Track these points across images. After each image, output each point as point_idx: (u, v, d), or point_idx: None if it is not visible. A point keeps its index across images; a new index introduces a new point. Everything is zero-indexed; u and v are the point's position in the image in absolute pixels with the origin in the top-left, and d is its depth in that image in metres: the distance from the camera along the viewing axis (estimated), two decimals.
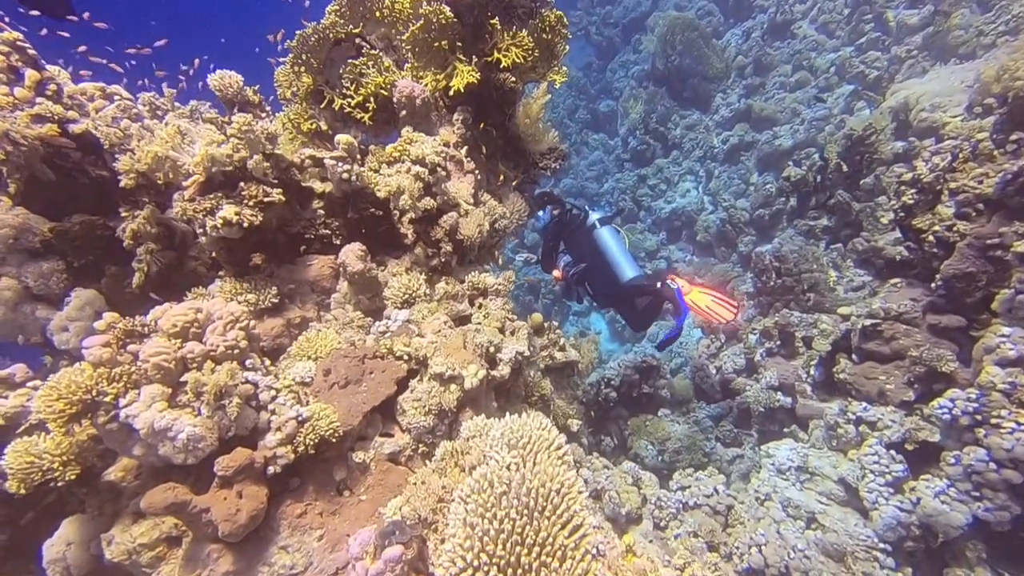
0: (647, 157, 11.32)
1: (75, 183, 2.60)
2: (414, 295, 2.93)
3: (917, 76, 7.23)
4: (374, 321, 2.94)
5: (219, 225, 2.42)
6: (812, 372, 5.10)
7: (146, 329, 2.15)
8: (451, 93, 3.40)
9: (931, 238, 4.17)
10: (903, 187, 4.38)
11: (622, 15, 14.66)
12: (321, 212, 3.09)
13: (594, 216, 4.68)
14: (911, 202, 4.29)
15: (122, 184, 2.52)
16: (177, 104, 3.21)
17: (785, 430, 5.06)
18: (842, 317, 5.09)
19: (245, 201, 2.54)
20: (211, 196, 2.48)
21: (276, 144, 2.78)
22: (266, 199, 2.61)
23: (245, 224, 2.49)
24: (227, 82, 2.57)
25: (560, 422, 4.02)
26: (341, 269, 2.89)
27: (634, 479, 3.98)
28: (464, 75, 3.36)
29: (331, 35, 3.26)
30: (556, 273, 4.53)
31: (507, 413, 3.08)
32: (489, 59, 3.50)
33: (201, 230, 2.50)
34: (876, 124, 6.22)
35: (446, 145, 3.40)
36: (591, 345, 4.81)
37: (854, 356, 4.54)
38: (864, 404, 4.10)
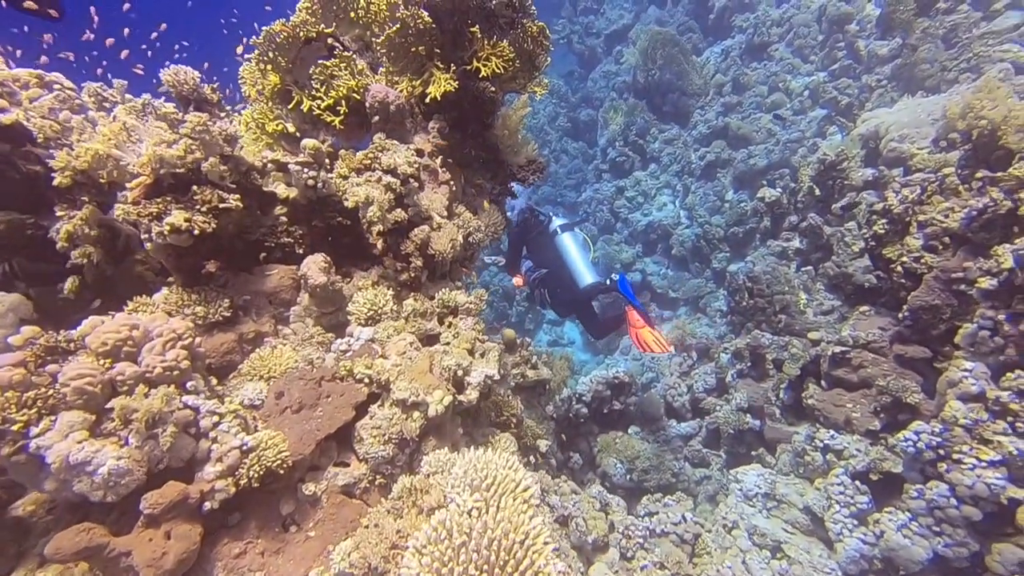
0: (625, 169, 11.37)
1: (2, 178, 2.37)
2: (380, 312, 2.77)
3: (886, 105, 7.42)
4: (336, 338, 2.78)
5: (166, 232, 2.23)
6: (781, 395, 5.12)
7: (73, 346, 1.95)
8: (427, 100, 3.26)
9: (899, 268, 4.22)
10: (874, 216, 4.44)
11: (604, 26, 14.75)
12: (284, 219, 2.91)
13: (557, 222, 4.73)
14: (882, 232, 4.34)
15: (55, 182, 2.30)
16: (129, 96, 2.98)
17: (753, 453, 5.06)
18: (812, 341, 5.13)
19: (197, 206, 2.35)
20: (159, 200, 2.28)
21: (236, 146, 2.60)
22: (221, 205, 2.42)
23: (196, 231, 2.30)
24: (182, 78, 2.38)
25: (529, 442, 3.90)
26: (302, 281, 2.72)
27: (602, 504, 3.90)
28: (441, 83, 3.23)
29: (301, 33, 3.08)
30: (517, 280, 4.68)
31: (474, 437, 2.96)
32: (468, 67, 3.37)
33: (147, 235, 2.29)
34: (847, 151, 6.34)
35: (420, 154, 3.26)
36: (563, 363, 4.72)
37: (823, 382, 4.57)
38: (831, 432, 4.11)
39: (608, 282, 4.64)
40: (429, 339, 2.91)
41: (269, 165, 2.81)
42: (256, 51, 2.99)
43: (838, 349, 4.37)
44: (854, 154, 6.25)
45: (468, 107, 3.69)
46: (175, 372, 1.90)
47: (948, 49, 7.07)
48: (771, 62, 10.14)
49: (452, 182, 3.44)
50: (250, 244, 2.82)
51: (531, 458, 3.68)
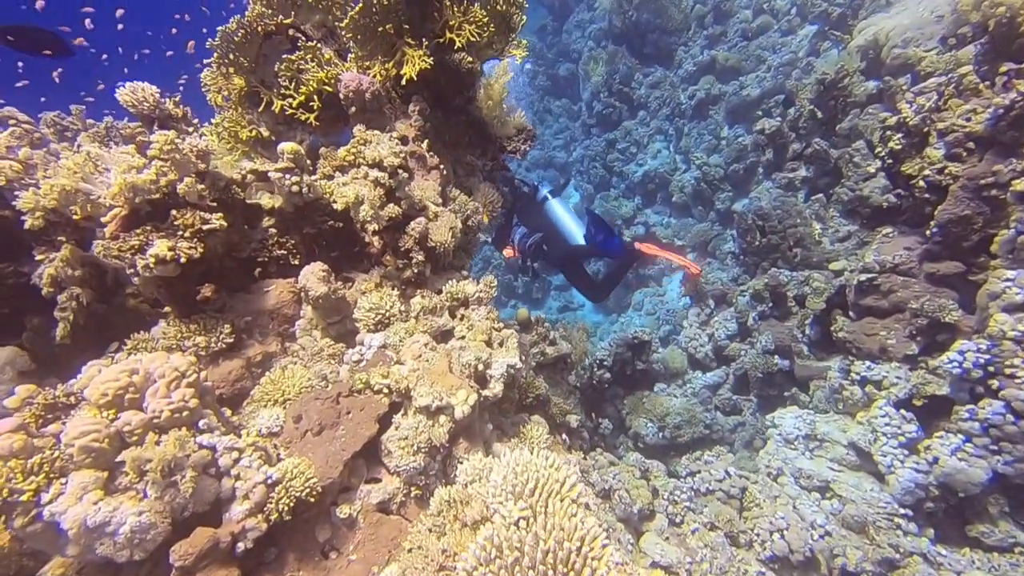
0: (614, 120, 10.98)
1: None
2: (388, 315, 2.64)
3: (882, 10, 7.00)
4: (347, 348, 2.65)
5: (151, 264, 2.09)
6: (807, 331, 4.99)
7: (73, 399, 1.84)
8: (403, 82, 3.04)
9: (921, 183, 4.01)
10: (888, 132, 4.19)
11: None
12: (273, 231, 2.75)
13: (544, 190, 4.73)
14: (898, 147, 4.11)
15: (27, 225, 2.15)
16: (91, 121, 2.79)
17: (785, 394, 4.97)
18: (834, 272, 4.96)
19: (180, 232, 2.20)
20: (138, 231, 2.13)
21: (210, 161, 2.42)
22: (205, 226, 2.27)
23: (183, 259, 2.16)
24: (140, 96, 2.19)
25: (559, 419, 3.82)
26: (303, 294, 2.58)
27: (641, 471, 3.84)
28: (415, 61, 3.00)
29: (259, 28, 2.85)
30: (507, 251, 4.73)
31: (504, 429, 2.87)
32: (441, 40, 3.13)
33: (131, 270, 2.15)
34: (847, 66, 6.01)
35: (404, 141, 3.06)
36: (581, 333, 4.61)
37: (851, 312, 4.42)
38: (867, 363, 3.99)
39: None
40: (443, 335, 2.78)
41: (249, 176, 2.63)
42: (215, 54, 2.77)
43: (864, 277, 4.20)
44: (854, 68, 5.92)
45: (446, 83, 3.46)
46: (184, 413, 1.78)
47: None
48: None
49: (442, 165, 3.25)
50: (242, 261, 2.68)
51: (563, 436, 3.60)
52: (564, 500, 1.59)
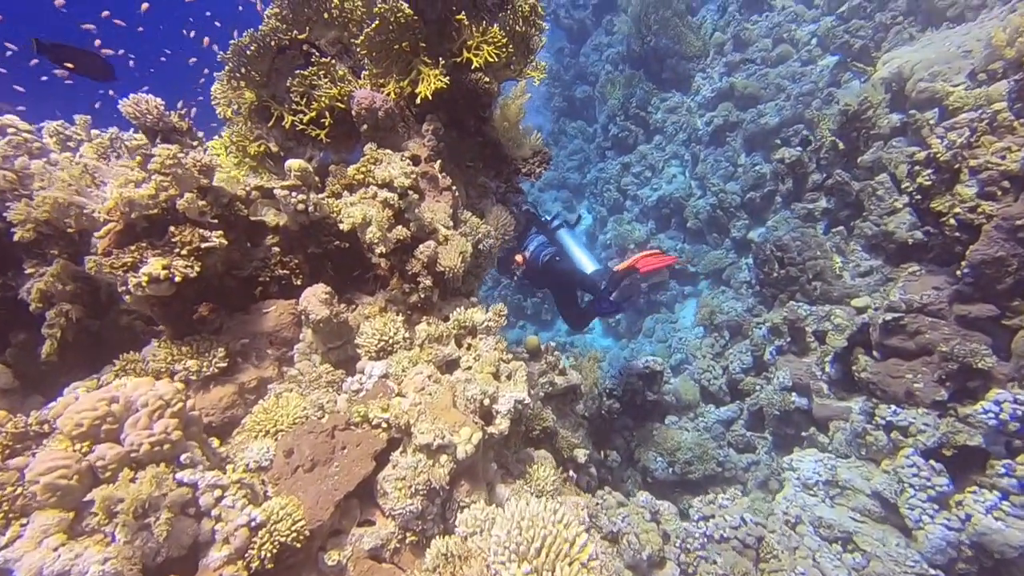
0: (629, 144, 10.92)
1: None
2: (391, 342, 2.51)
3: (906, 43, 6.91)
4: (346, 374, 2.53)
5: (144, 283, 1.98)
6: (827, 369, 4.79)
7: (47, 427, 1.72)
8: (418, 101, 2.96)
9: (952, 221, 3.84)
10: (917, 167, 4.05)
11: None
12: (276, 249, 2.65)
13: (556, 223, 5.23)
14: (927, 183, 3.95)
15: (16, 237, 2.07)
16: (97, 132, 2.73)
17: (803, 434, 4.75)
18: (856, 309, 4.77)
19: (176, 249, 2.10)
20: (132, 247, 2.04)
21: (213, 176, 2.33)
22: (204, 244, 2.17)
23: (177, 278, 2.05)
24: (144, 108, 2.12)
25: (566, 454, 3.65)
26: (303, 316, 2.46)
27: (652, 514, 3.64)
28: (431, 80, 2.93)
29: (273, 42, 2.79)
30: (519, 257, 4.78)
31: (508, 467, 2.70)
32: (458, 59, 3.06)
33: (123, 288, 2.05)
34: (871, 97, 5.89)
35: (416, 161, 2.97)
36: (592, 363, 4.44)
37: (875, 352, 4.22)
38: (893, 407, 3.78)
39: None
40: (448, 365, 2.64)
41: (253, 193, 2.54)
42: (226, 67, 2.71)
43: (890, 316, 4.02)
44: (879, 100, 5.80)
45: (462, 102, 3.39)
46: (166, 446, 1.66)
47: None
48: (773, 12, 9.58)
49: (454, 187, 3.15)
50: (243, 281, 2.58)
51: (570, 473, 3.42)
52: (574, 564, 1.43)
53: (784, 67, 9.10)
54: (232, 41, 2.64)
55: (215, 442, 1.98)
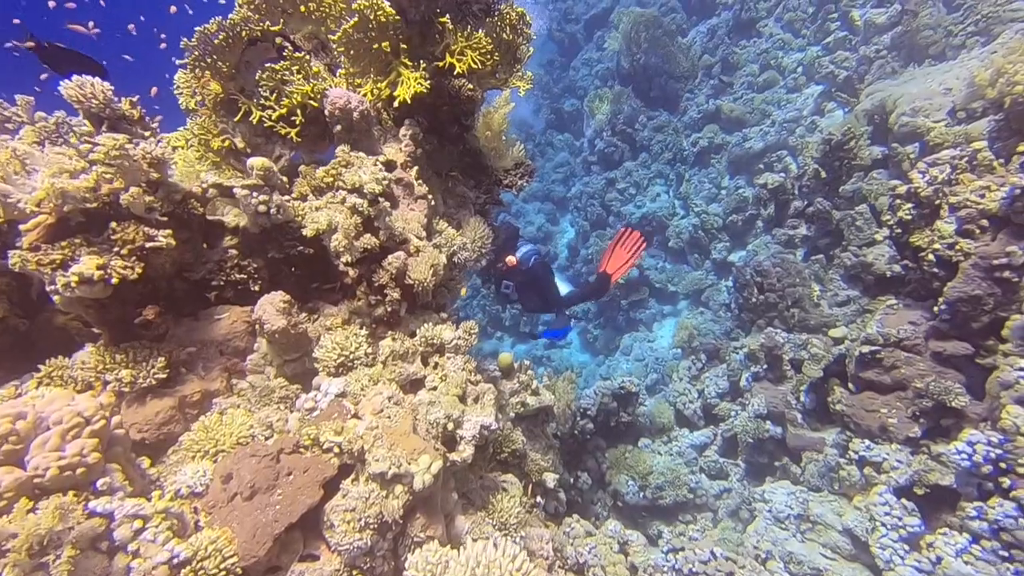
0: (615, 160, 10.93)
1: None
2: (352, 357, 2.35)
3: (888, 77, 7.03)
4: (302, 390, 2.36)
5: (73, 283, 1.79)
6: (803, 399, 4.75)
7: None
8: (396, 104, 2.83)
9: (931, 256, 3.84)
10: (898, 200, 4.05)
11: (584, 11, 14.25)
12: (234, 252, 2.48)
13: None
14: (908, 217, 3.96)
15: None
16: (42, 115, 2.53)
17: (776, 463, 4.69)
18: (833, 339, 4.75)
19: (116, 248, 1.92)
20: (64, 244, 1.85)
21: (166, 170, 2.16)
22: (148, 244, 1.99)
23: (115, 280, 1.87)
24: (88, 91, 1.94)
25: (535, 478, 3.51)
26: (257, 326, 2.29)
27: (620, 544, 3.51)
28: (410, 83, 2.80)
29: (243, 32, 2.63)
30: (511, 259, 4.87)
31: (471, 497, 2.55)
32: (441, 64, 2.94)
33: (52, 288, 1.86)
34: (853, 128, 5.95)
35: (390, 166, 2.82)
36: (567, 384, 4.32)
37: (850, 384, 4.19)
38: (867, 442, 3.74)
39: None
40: (413, 384, 2.49)
41: (211, 191, 2.37)
42: (190, 55, 2.53)
43: (867, 349, 3.99)
44: (861, 132, 5.86)
45: (444, 108, 3.26)
46: (79, 470, 1.47)
47: (951, 13, 6.68)
48: (761, 39, 9.73)
49: (430, 195, 3.02)
50: (195, 284, 2.40)
51: (538, 499, 3.28)
52: None
53: (770, 93, 9.22)
54: (197, 28, 2.47)
55: (145, 463, 1.80)
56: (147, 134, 2.12)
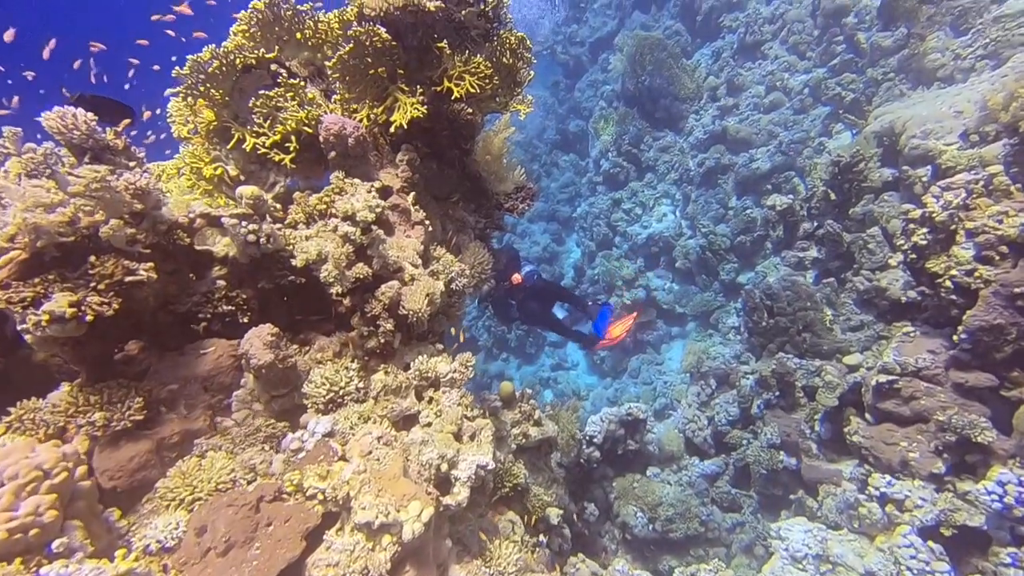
0: (620, 180, 10.89)
1: None
2: (342, 393, 2.24)
3: (895, 99, 6.95)
4: (290, 427, 2.24)
5: (44, 322, 1.71)
6: (817, 428, 4.56)
7: None
8: (392, 129, 2.76)
9: (948, 283, 3.69)
10: (912, 225, 3.92)
11: (588, 34, 14.38)
12: (222, 283, 2.39)
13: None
14: (923, 243, 3.82)
15: None
16: (32, 146, 2.48)
17: (791, 496, 4.49)
18: (848, 367, 4.58)
19: (93, 283, 1.83)
20: (36, 280, 1.77)
21: (152, 201, 2.09)
22: (128, 278, 1.90)
23: (89, 317, 1.78)
24: (70, 123, 1.88)
25: (538, 514, 3.35)
26: (244, 361, 2.19)
27: None
28: (407, 108, 2.74)
29: (237, 60, 2.59)
30: (516, 277, 4.99)
31: (466, 543, 2.40)
32: (439, 88, 2.89)
33: (23, 327, 1.77)
34: (863, 150, 5.85)
35: (386, 192, 2.75)
36: (570, 414, 4.18)
37: (867, 415, 4.01)
38: (887, 478, 3.55)
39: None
40: (406, 420, 2.37)
41: (198, 220, 2.30)
42: (183, 84, 2.49)
43: (884, 378, 3.82)
44: (871, 154, 5.75)
45: (443, 133, 3.20)
46: (32, 532, 1.36)
47: (959, 36, 6.62)
48: (766, 61, 9.71)
49: (428, 221, 2.93)
50: (180, 317, 2.31)
51: (539, 537, 3.13)
52: None
53: (776, 114, 9.16)
54: (190, 56, 2.43)
55: (115, 515, 1.68)
56: (132, 164, 2.05)
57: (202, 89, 2.51)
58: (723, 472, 5.27)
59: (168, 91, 2.51)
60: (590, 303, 6.15)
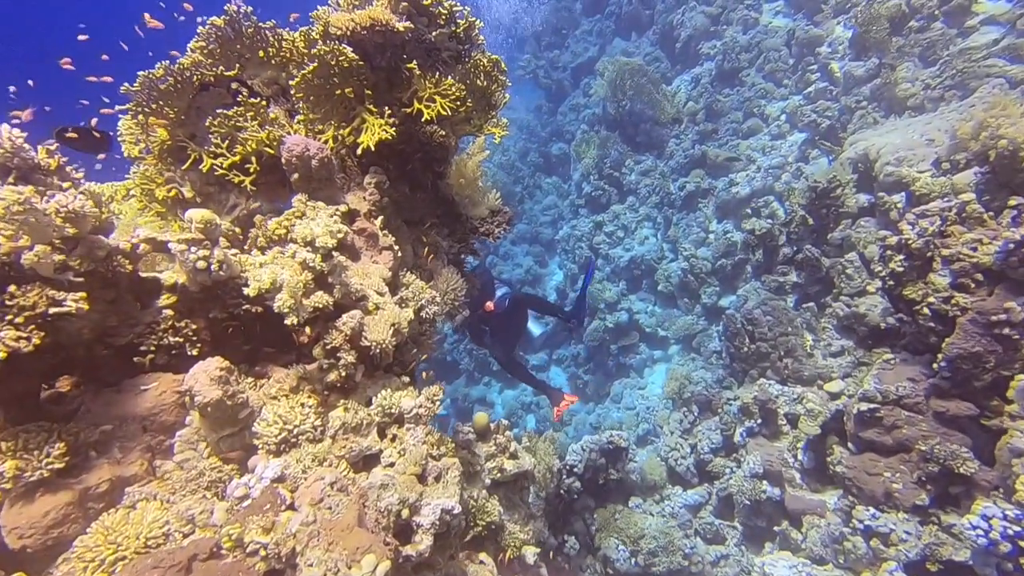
0: (602, 203, 10.93)
1: None
2: (296, 432, 2.08)
3: (869, 127, 7.10)
4: (236, 472, 2.07)
5: None
6: (800, 456, 4.47)
7: None
8: (359, 152, 2.66)
9: (926, 310, 3.67)
10: (889, 252, 3.91)
11: (570, 60, 14.61)
12: (169, 313, 2.23)
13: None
14: (900, 269, 3.81)
15: None
16: None
17: (775, 528, 4.36)
18: (830, 394, 4.52)
19: (10, 316, 1.67)
20: None
21: (86, 225, 1.93)
22: (54, 309, 1.74)
23: (1, 355, 1.61)
24: None
25: (513, 553, 3.17)
26: (187, 398, 2.02)
27: None
28: (375, 130, 2.64)
29: (195, 78, 2.48)
30: (489, 305, 4.83)
31: None
32: (409, 110, 2.80)
33: None
34: (839, 176, 5.92)
35: (352, 216, 2.64)
36: (548, 446, 4.03)
37: (850, 444, 3.94)
38: (871, 510, 3.46)
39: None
40: (367, 461, 2.21)
41: (143, 246, 2.14)
42: (132, 102, 2.36)
43: (865, 407, 3.76)
44: (847, 180, 5.82)
45: (415, 155, 3.11)
46: None
47: (928, 67, 6.80)
48: (743, 87, 9.91)
49: (397, 246, 2.81)
50: (120, 350, 2.13)
51: None
52: None
53: (754, 139, 9.31)
54: (141, 72, 2.31)
55: None
56: (66, 185, 1.90)
57: (154, 107, 2.38)
58: (706, 502, 5.14)
59: (117, 108, 2.37)
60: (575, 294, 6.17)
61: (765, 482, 4.57)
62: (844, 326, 5.01)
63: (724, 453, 5.34)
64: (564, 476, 5.01)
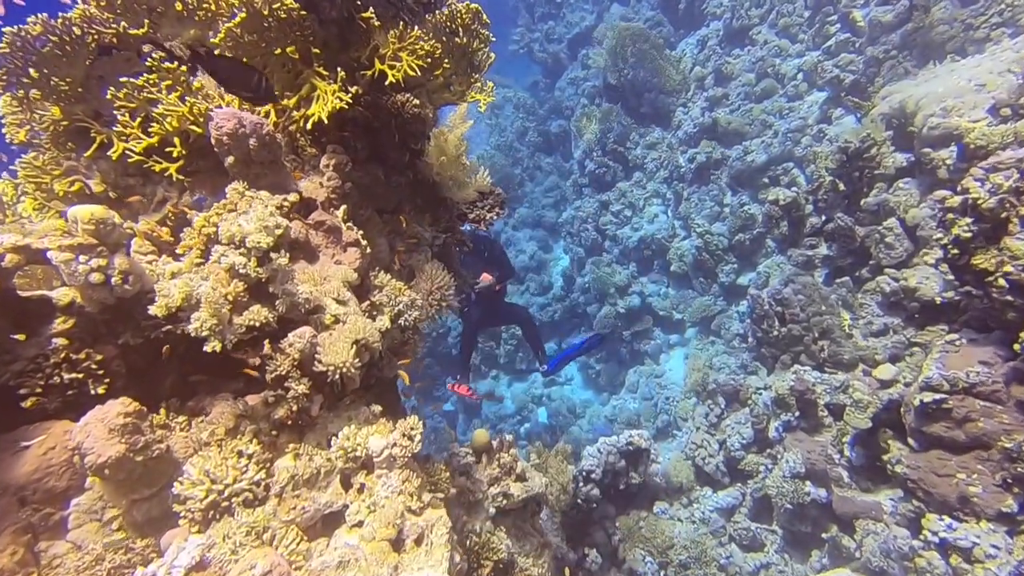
0: (607, 181, 10.28)
1: None
2: (229, 493, 1.59)
3: (903, 77, 6.42)
4: (152, 551, 1.58)
5: None
6: (847, 452, 3.95)
7: None
8: (308, 125, 2.13)
9: (1002, 281, 3.10)
10: (951, 215, 3.33)
11: (566, 30, 13.81)
12: (62, 342, 1.73)
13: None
14: (967, 235, 3.23)
15: None
16: None
17: (823, 535, 3.86)
18: (880, 381, 3.98)
19: None
20: None
21: None
22: None
23: None
24: None
25: None
26: (76, 458, 1.53)
27: None
28: (327, 98, 2.11)
29: (90, 37, 1.94)
30: (485, 276, 4.68)
31: None
32: (369, 72, 2.26)
33: None
34: (874, 135, 5.28)
35: (303, 208, 2.11)
36: (561, 462, 3.54)
37: (911, 440, 3.40)
38: (946, 520, 2.94)
39: None
40: (328, 521, 1.72)
41: (9, 256, 1.64)
42: (2, 68, 1.84)
43: (929, 397, 3.22)
44: (882, 138, 5.19)
45: (385, 131, 2.56)
46: None
47: (966, 6, 6.09)
48: (755, 47, 9.17)
49: (365, 241, 2.29)
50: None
51: None
52: None
53: (769, 102, 8.62)
54: (7, 29, 1.77)
55: None
56: None
57: (35, 76, 1.86)
58: (740, 504, 4.65)
59: None
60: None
61: (808, 482, 4.06)
62: (891, 302, 4.44)
63: (756, 449, 4.83)
64: (581, 483, 4.53)
